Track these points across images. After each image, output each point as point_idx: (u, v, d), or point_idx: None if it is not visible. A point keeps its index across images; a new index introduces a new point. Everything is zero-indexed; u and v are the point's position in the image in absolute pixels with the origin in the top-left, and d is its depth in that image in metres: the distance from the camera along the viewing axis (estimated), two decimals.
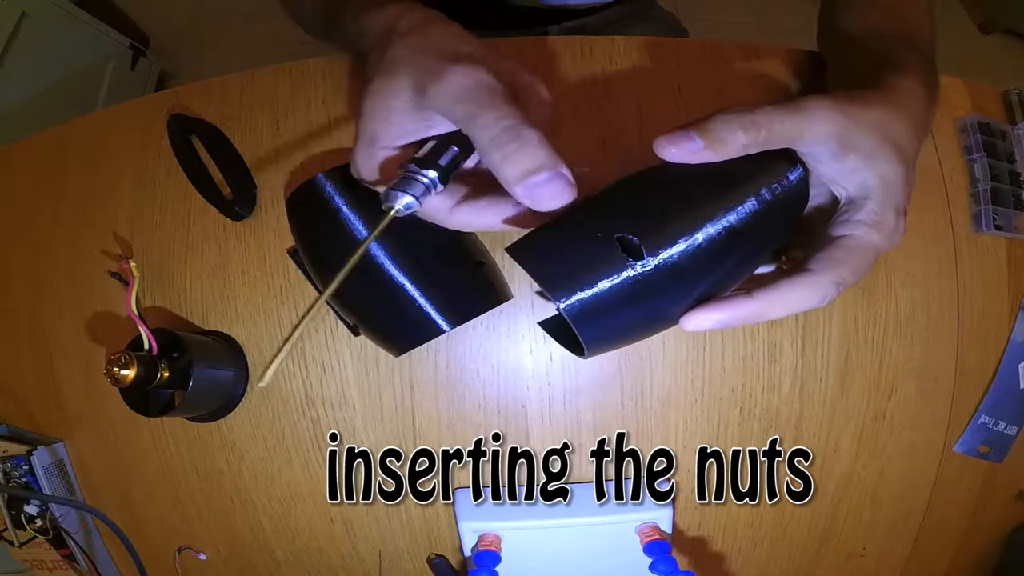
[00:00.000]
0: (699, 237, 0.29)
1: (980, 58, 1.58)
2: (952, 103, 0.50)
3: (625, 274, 0.28)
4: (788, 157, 0.32)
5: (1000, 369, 0.49)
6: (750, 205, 0.30)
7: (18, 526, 0.48)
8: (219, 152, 0.47)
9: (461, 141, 0.30)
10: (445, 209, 0.32)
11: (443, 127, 0.31)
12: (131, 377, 0.38)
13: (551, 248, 0.29)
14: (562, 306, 0.28)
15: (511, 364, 0.47)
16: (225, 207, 0.46)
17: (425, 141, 0.31)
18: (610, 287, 0.28)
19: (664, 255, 0.28)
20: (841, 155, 0.31)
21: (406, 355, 0.46)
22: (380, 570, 0.51)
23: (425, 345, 0.46)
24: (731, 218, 0.30)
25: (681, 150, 0.28)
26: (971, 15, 1.71)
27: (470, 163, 0.32)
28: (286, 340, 0.31)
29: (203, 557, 0.51)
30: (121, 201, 0.49)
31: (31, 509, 0.48)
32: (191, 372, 0.42)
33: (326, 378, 0.47)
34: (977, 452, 0.49)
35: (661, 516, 0.47)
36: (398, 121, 0.30)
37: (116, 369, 0.38)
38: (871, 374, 0.48)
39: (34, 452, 0.48)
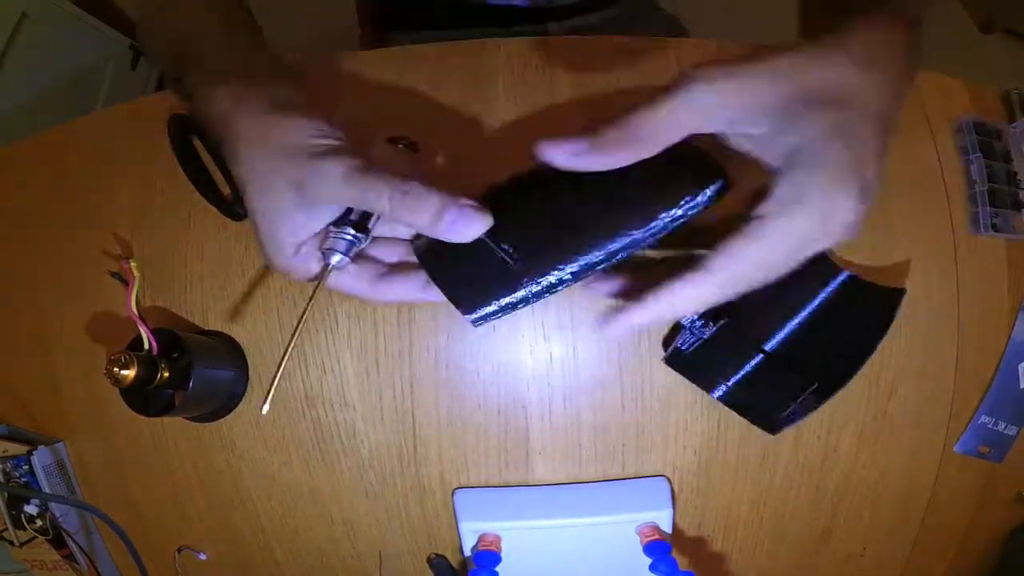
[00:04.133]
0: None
1: (980, 58, 1.58)
2: (952, 103, 0.50)
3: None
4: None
5: (1000, 369, 0.49)
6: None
7: (18, 526, 0.48)
8: (219, 152, 0.47)
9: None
10: (364, 287, 0.35)
11: (333, 211, 0.34)
12: (131, 377, 0.39)
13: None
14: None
15: (511, 364, 0.47)
16: (225, 207, 0.46)
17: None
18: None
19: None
20: (748, 123, 0.27)
21: (406, 355, 0.46)
22: (380, 570, 0.51)
23: (425, 345, 0.46)
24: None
25: (562, 153, 0.29)
26: (971, 15, 1.71)
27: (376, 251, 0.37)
28: (279, 366, 0.32)
29: (203, 557, 0.51)
30: (121, 201, 0.49)
31: (31, 509, 0.48)
32: (191, 372, 0.42)
33: (326, 378, 0.47)
34: (977, 452, 0.49)
35: (661, 516, 0.47)
36: (298, 224, 0.33)
37: (116, 369, 0.38)
38: (871, 374, 0.48)
39: (34, 452, 0.48)
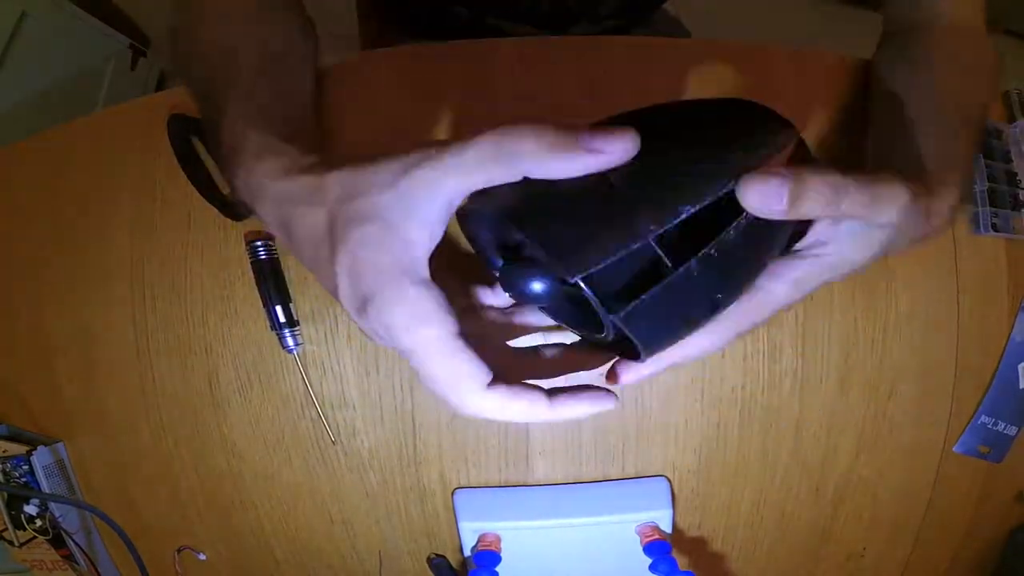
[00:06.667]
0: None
1: None
2: None
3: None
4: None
5: (1000, 369, 0.49)
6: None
7: (18, 526, 0.48)
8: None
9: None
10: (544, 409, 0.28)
11: None
12: None
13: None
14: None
15: None
16: (225, 207, 0.46)
17: None
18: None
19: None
20: (855, 232, 0.29)
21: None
22: (380, 570, 0.51)
23: None
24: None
25: (763, 205, 0.24)
26: None
27: None
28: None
29: (203, 557, 0.51)
30: (121, 201, 0.49)
31: (31, 509, 0.48)
32: None
33: (326, 378, 0.47)
34: (977, 452, 0.49)
35: (661, 516, 0.47)
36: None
37: None
38: (871, 374, 0.48)
39: (34, 452, 0.48)
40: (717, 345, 0.30)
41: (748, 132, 0.28)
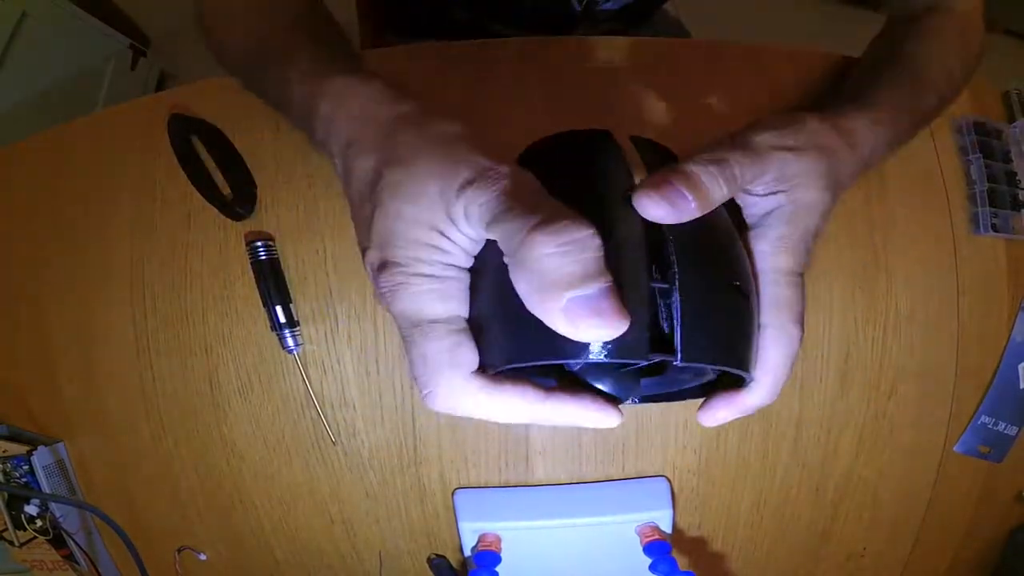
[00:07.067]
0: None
1: None
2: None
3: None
4: None
5: (1000, 369, 0.49)
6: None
7: (18, 526, 0.48)
8: (219, 152, 0.47)
9: None
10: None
11: None
12: None
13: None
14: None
15: None
16: (225, 207, 0.46)
17: None
18: None
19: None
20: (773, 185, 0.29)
21: (406, 355, 0.46)
22: (380, 570, 0.51)
23: None
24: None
25: (675, 210, 0.24)
26: None
27: None
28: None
29: (203, 557, 0.51)
30: (121, 201, 0.49)
31: (31, 509, 0.48)
32: None
33: (326, 378, 0.47)
34: (977, 452, 0.49)
35: (661, 516, 0.47)
36: None
37: None
38: (871, 374, 0.48)
39: (34, 452, 0.48)
40: (790, 348, 0.29)
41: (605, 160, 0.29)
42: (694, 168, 0.25)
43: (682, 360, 0.24)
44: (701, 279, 0.25)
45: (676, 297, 0.24)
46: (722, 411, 0.30)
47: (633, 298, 0.23)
